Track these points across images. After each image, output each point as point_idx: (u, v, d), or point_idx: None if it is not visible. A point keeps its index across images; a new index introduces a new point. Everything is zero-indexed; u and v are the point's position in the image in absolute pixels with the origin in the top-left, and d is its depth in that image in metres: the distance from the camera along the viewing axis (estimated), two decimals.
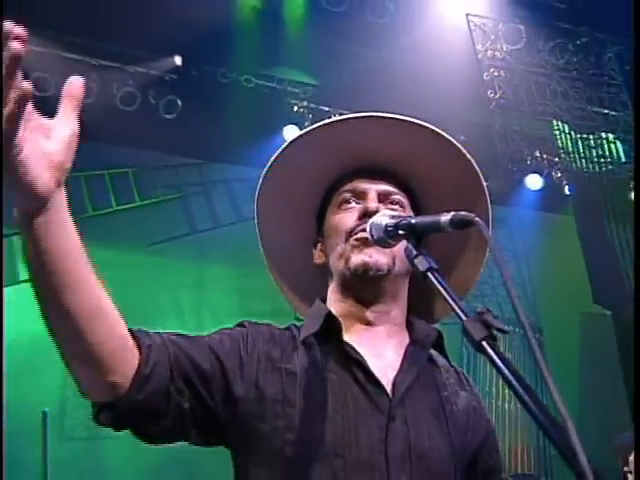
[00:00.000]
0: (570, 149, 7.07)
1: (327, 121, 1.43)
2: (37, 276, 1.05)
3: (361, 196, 1.44)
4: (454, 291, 1.05)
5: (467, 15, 6.37)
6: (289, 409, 1.27)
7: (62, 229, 1.05)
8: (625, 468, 3.78)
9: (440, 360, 1.46)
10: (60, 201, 1.03)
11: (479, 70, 6.56)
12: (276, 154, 1.46)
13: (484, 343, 0.96)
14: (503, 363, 0.94)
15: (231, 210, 7.21)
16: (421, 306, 1.51)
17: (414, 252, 1.13)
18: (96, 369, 1.13)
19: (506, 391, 7.04)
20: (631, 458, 3.65)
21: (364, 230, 1.34)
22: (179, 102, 6.32)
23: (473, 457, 1.40)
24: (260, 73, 6.67)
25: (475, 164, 1.48)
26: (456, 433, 1.36)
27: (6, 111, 0.89)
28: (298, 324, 1.44)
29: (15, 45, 0.85)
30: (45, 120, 0.98)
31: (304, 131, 1.46)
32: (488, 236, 1.04)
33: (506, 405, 7.13)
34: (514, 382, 0.93)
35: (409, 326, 1.45)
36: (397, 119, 1.43)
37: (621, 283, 6.46)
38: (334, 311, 1.40)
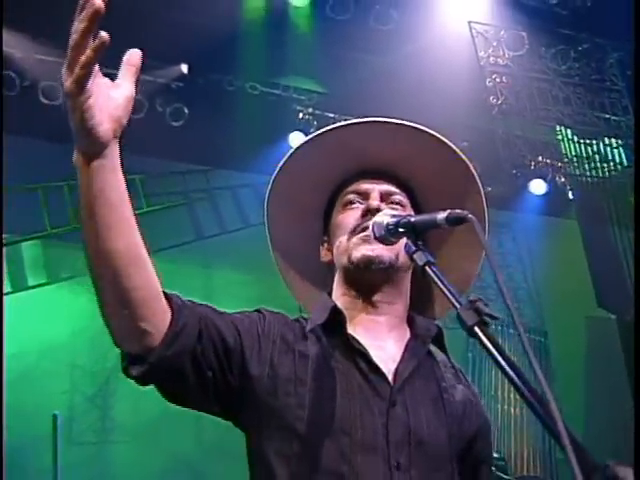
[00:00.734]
0: (573, 154, 7.11)
1: (331, 127, 1.52)
2: (87, 217, 1.15)
3: (364, 196, 1.52)
4: (453, 286, 1.13)
5: (469, 22, 6.43)
6: (300, 388, 1.35)
7: (113, 176, 1.15)
8: None
9: (439, 356, 1.53)
10: (114, 152, 1.14)
11: (482, 76, 6.62)
12: (284, 160, 1.54)
13: (476, 328, 1.03)
14: (493, 345, 1.01)
15: (237, 216, 7.27)
16: (423, 304, 1.59)
17: (413, 248, 1.22)
18: (131, 314, 1.20)
19: (512, 395, 7.07)
20: None
21: (367, 228, 1.41)
22: (186, 110, 6.40)
23: (468, 446, 1.47)
24: (265, 80, 6.74)
25: (471, 166, 1.55)
26: (453, 421, 1.43)
27: (83, 57, 1.02)
28: (306, 317, 1.52)
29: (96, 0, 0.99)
30: (108, 81, 1.11)
31: (310, 137, 1.54)
32: (480, 232, 1.10)
33: (512, 409, 7.15)
34: (503, 362, 1.00)
35: (410, 322, 1.52)
36: (397, 124, 1.51)
37: (625, 287, 6.48)
38: (339, 304, 1.48)
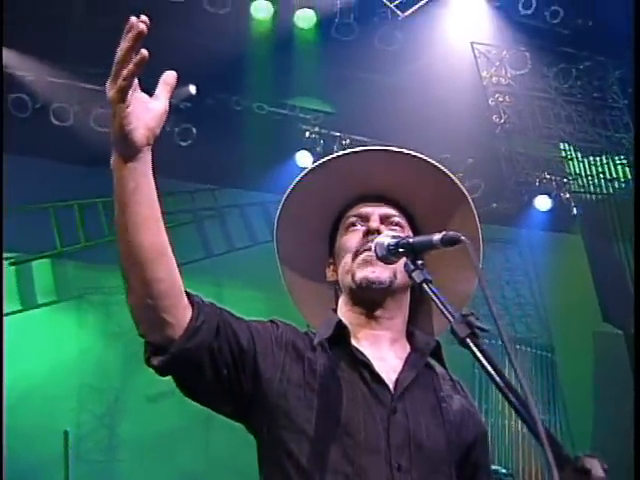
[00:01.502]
0: (576, 171, 7.18)
1: (335, 155, 1.64)
2: (119, 213, 1.30)
3: (365, 219, 1.62)
4: (450, 302, 1.24)
5: (472, 43, 6.53)
6: (309, 393, 1.46)
7: (145, 179, 1.30)
8: None
9: (438, 368, 1.63)
10: (147, 158, 1.30)
11: (485, 95, 6.70)
12: (291, 186, 1.66)
13: (468, 339, 1.14)
14: (483, 356, 1.12)
15: (245, 234, 7.35)
16: (423, 321, 1.69)
17: (412, 267, 1.33)
18: (154, 305, 1.33)
19: None
20: None
21: (369, 249, 1.52)
22: (194, 129, 6.51)
23: (466, 453, 1.56)
24: (272, 100, 6.84)
25: (466, 192, 1.66)
26: (451, 428, 1.53)
27: (125, 71, 1.20)
28: (314, 331, 1.63)
29: (140, 24, 1.18)
30: (146, 96, 1.29)
31: (315, 165, 1.66)
32: (472, 253, 1.20)
33: (519, 425, 7.15)
34: (491, 371, 1.11)
35: (411, 336, 1.63)
36: (394, 152, 1.63)
37: (629, 302, 6.49)
38: (344, 319, 1.59)
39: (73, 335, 6.79)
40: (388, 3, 5.84)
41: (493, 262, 7.80)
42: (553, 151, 7.19)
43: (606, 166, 7.10)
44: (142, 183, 1.29)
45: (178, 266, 1.38)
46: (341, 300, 1.64)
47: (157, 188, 1.32)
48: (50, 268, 6.96)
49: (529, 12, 6.17)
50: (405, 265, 1.35)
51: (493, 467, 5.99)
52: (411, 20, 5.99)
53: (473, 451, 1.57)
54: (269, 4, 6.10)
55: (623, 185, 7.02)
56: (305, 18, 6.21)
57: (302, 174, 1.65)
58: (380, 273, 1.53)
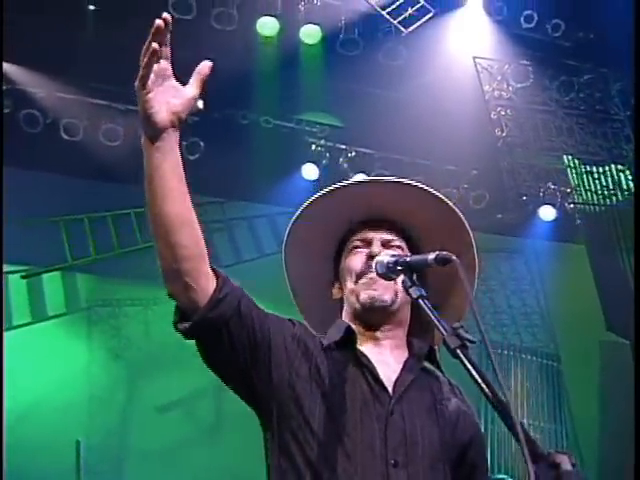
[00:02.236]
0: (579, 182, 7.24)
1: (341, 184, 1.78)
2: (148, 186, 1.47)
3: (368, 243, 1.76)
4: (445, 318, 1.36)
5: (474, 58, 6.62)
6: (315, 389, 1.59)
7: (171, 156, 1.47)
8: None
9: (436, 373, 1.75)
10: (172, 138, 1.46)
11: (487, 109, 6.78)
12: (299, 211, 1.80)
13: (458, 350, 1.26)
14: (470, 364, 1.25)
15: (253, 246, 7.44)
16: (422, 333, 1.79)
17: (409, 283, 1.47)
18: (179, 269, 1.49)
19: (524, 420, 7.08)
20: None
21: (371, 272, 1.65)
22: (201, 143, 6.60)
23: (461, 453, 1.66)
24: (279, 114, 6.94)
25: (463, 217, 1.79)
26: (446, 428, 1.64)
27: (145, 59, 1.37)
28: (321, 337, 1.75)
29: (158, 20, 1.36)
30: (178, 84, 1.46)
31: (322, 192, 1.79)
32: (462, 272, 1.33)
33: None
34: (478, 379, 1.23)
35: (410, 345, 1.75)
36: (395, 182, 1.78)
37: (634, 311, 6.51)
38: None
39: (83, 347, 6.87)
40: (391, 19, 5.92)
41: (499, 271, 7.87)
42: (555, 163, 7.26)
43: (609, 178, 7.16)
44: (166, 159, 1.46)
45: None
46: (345, 314, 1.76)
47: None
48: (60, 281, 7.05)
49: (531, 25, 6.26)
50: (403, 281, 1.49)
51: (499, 476, 6.04)
52: (415, 36, 6.08)
53: (469, 451, 1.67)
54: (275, 21, 6.20)
55: (626, 195, 7.07)
56: (310, 34, 6.31)
57: (309, 201, 1.78)
58: (383, 292, 1.66)
